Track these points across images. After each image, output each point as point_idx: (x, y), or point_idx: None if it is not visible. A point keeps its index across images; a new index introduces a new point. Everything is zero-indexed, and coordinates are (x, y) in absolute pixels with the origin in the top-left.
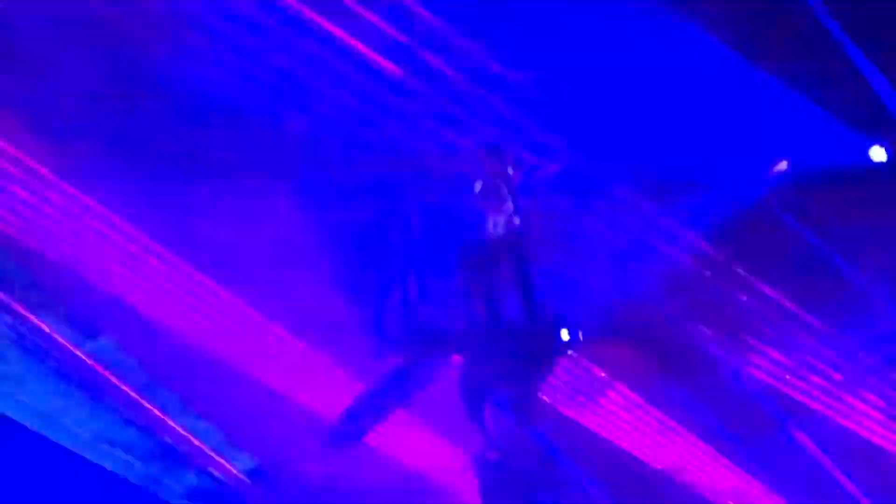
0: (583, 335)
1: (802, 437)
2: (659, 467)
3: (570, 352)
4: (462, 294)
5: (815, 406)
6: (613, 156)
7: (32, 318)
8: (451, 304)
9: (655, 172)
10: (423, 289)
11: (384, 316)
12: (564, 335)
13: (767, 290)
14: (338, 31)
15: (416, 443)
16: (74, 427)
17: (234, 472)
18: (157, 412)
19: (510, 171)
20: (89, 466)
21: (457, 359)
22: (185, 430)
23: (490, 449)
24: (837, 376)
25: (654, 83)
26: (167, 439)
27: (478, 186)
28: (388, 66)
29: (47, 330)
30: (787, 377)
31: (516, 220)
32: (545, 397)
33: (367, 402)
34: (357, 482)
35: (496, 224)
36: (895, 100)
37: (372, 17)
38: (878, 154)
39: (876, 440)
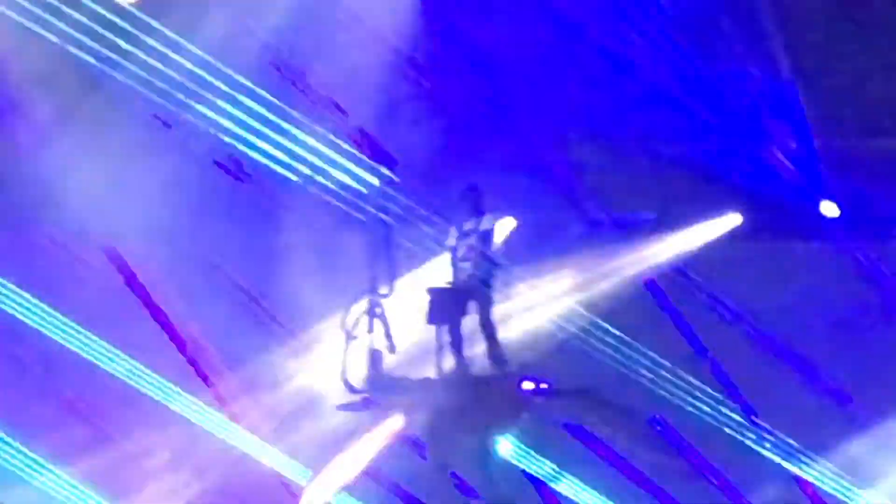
0: (547, 386)
1: None
2: None
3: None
4: (428, 342)
5: None
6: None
7: None
8: (416, 353)
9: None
10: (388, 337)
11: (349, 365)
12: (527, 385)
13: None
14: None
15: None
16: None
17: None
18: None
19: (481, 220)
20: None
21: (422, 407)
22: None
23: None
24: None
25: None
26: None
27: (452, 236)
28: None
29: None
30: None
31: (483, 269)
32: None
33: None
34: None
35: (463, 272)
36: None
37: None
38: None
39: None
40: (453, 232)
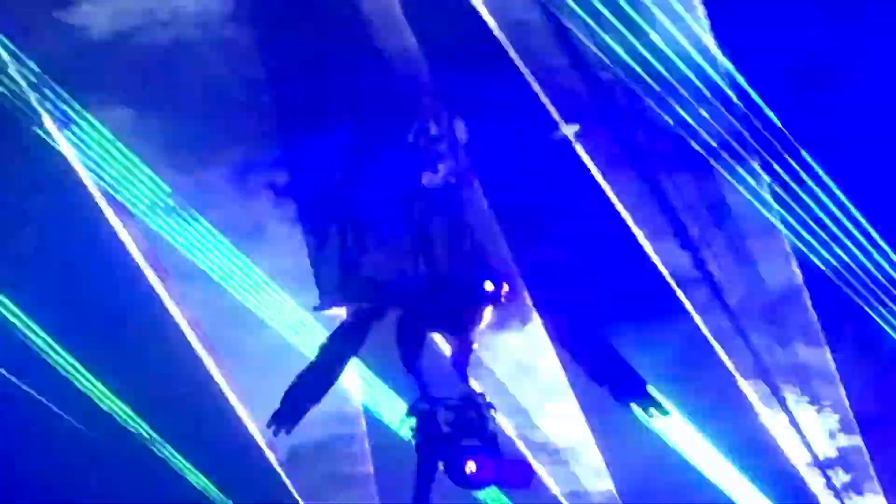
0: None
1: None
2: None
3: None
4: (399, 245)
5: None
6: None
7: None
8: (388, 256)
9: None
10: (361, 241)
11: (323, 268)
12: (488, 286)
13: None
14: None
15: None
16: None
17: None
18: None
19: (452, 127)
20: None
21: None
22: None
23: (424, 398)
24: None
25: None
26: None
27: (412, 133)
28: None
29: None
30: None
31: (453, 176)
32: None
33: (315, 367)
34: None
35: (434, 178)
36: None
37: None
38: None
39: None
40: (415, 130)
